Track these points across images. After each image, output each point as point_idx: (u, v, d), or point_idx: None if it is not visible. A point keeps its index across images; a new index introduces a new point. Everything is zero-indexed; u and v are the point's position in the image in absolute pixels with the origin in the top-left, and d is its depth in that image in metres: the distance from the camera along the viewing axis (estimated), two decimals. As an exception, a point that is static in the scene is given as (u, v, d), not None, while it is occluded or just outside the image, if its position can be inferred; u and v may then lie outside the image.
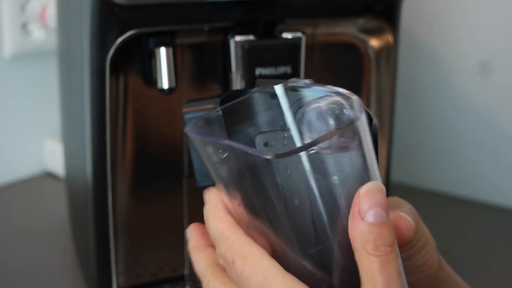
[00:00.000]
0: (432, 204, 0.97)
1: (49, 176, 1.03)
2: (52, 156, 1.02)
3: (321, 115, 0.44)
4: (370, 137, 0.41)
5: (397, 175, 0.74)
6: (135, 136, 0.64)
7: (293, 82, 0.45)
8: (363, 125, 0.40)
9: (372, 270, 0.39)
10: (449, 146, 1.00)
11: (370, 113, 0.42)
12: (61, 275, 0.77)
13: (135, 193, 0.65)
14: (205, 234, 0.47)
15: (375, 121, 0.43)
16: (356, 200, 0.40)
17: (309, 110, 0.44)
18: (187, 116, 0.47)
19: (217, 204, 0.45)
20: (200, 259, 0.47)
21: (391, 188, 0.71)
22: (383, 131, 0.70)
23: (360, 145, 0.40)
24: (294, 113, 0.46)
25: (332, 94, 0.43)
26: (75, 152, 0.71)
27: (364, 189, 0.40)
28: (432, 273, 0.48)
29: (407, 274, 0.45)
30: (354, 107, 0.41)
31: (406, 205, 0.48)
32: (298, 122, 0.45)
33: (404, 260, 0.46)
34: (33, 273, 0.77)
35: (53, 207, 0.92)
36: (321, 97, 0.44)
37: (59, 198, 0.90)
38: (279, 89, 0.46)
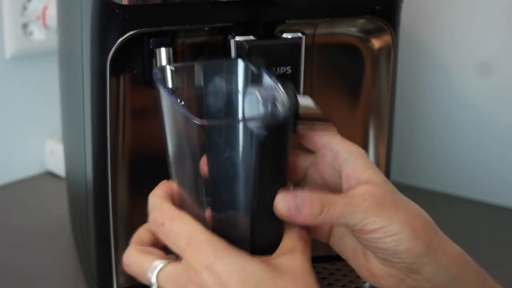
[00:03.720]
0: (432, 204, 0.97)
1: (50, 176, 1.03)
2: (53, 156, 1.02)
3: (254, 99, 0.52)
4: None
5: (396, 175, 0.74)
6: (136, 136, 0.64)
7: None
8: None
9: None
10: (449, 146, 1.00)
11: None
12: (61, 275, 0.78)
13: (135, 193, 0.65)
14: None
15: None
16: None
17: (249, 92, 0.53)
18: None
19: (160, 187, 0.54)
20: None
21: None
22: (382, 131, 0.70)
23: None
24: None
25: (275, 87, 0.52)
26: (76, 152, 0.71)
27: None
28: (412, 261, 0.52)
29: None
30: (284, 105, 0.50)
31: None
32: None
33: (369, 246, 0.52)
34: (33, 273, 0.77)
35: (54, 207, 0.93)
36: (264, 87, 0.53)
37: (60, 198, 0.90)
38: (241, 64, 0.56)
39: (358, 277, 0.70)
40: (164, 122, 0.53)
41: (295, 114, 0.52)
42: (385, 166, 0.71)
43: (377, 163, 0.70)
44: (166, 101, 0.51)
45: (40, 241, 0.84)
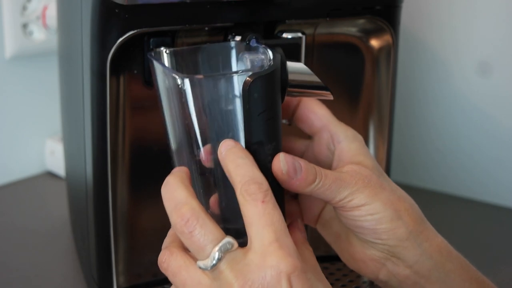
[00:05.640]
0: (431, 204, 0.97)
1: (50, 176, 1.03)
2: (53, 156, 1.02)
3: (244, 62, 0.57)
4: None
5: (396, 174, 0.74)
6: (135, 136, 0.64)
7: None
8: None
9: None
10: (449, 145, 1.00)
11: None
12: (61, 275, 0.78)
13: (135, 193, 0.66)
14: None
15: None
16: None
17: (240, 58, 0.58)
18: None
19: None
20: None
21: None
22: (382, 131, 0.70)
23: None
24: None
25: (264, 52, 0.57)
26: (76, 152, 0.71)
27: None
28: (392, 243, 0.53)
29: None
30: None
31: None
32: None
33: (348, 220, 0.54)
34: (33, 273, 0.77)
35: (54, 207, 0.93)
36: (254, 52, 0.58)
37: (60, 198, 0.90)
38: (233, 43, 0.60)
39: (358, 276, 0.70)
40: (163, 105, 0.56)
41: (283, 74, 0.55)
42: (385, 166, 0.71)
43: (377, 163, 0.70)
44: (161, 75, 0.54)
45: (40, 241, 0.84)
